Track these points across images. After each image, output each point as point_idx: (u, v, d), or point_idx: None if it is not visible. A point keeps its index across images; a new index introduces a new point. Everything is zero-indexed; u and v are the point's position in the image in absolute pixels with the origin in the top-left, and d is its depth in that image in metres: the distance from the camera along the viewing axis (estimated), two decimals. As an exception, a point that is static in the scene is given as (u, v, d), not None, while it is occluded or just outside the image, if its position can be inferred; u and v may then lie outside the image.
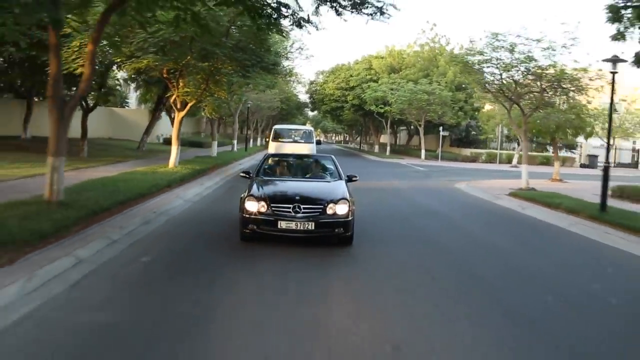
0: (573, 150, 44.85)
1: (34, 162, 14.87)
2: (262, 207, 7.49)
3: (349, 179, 8.99)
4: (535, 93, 18.41)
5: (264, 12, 9.79)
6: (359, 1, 9.29)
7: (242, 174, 9.42)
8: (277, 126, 25.26)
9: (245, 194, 7.87)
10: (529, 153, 23.26)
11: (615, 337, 4.94)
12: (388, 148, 48.45)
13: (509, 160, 41.57)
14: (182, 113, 17.17)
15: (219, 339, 4.42)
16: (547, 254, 8.82)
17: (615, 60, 11.79)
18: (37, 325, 4.48)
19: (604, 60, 12.19)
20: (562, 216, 12.38)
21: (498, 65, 17.61)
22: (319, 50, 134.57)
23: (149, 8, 8.47)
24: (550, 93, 19.08)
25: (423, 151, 41.43)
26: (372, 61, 50.91)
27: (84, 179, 12.26)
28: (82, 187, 10.41)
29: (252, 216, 7.49)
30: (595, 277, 7.31)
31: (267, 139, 23.62)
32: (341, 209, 7.56)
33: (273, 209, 7.48)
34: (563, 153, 44.64)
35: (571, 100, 20.26)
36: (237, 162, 25.56)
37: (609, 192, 13.33)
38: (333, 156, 9.98)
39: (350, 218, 7.63)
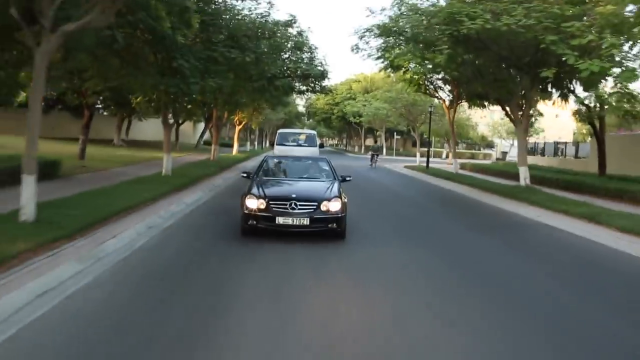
0: (492, 148, 60.36)
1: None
2: (261, 204, 7.78)
3: (343, 179, 9.41)
4: (423, 115, 33.79)
5: (286, 89, 25.24)
6: (320, 88, 24.63)
7: (243, 175, 9.82)
8: (281, 130, 25.11)
9: (246, 193, 8.20)
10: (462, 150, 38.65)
11: (400, 198, 20.21)
12: (363, 148, 63.84)
13: (447, 155, 56.96)
14: (240, 127, 32.56)
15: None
16: (395, 182, 23.93)
17: (429, 111, 27.17)
18: (228, 186, 19.71)
19: (429, 106, 27.58)
20: (415, 172, 27.69)
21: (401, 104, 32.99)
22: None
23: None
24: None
25: (385, 149, 56.87)
26: (352, 84, 66.31)
27: (205, 157, 27.49)
28: (219, 158, 25.59)
29: (252, 212, 7.79)
30: (408, 185, 22.55)
31: (273, 142, 23.24)
32: (334, 206, 7.89)
33: (271, 206, 7.77)
34: (486, 150, 60.30)
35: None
36: (260, 155, 40.83)
37: (459, 166, 28.71)
38: (328, 158, 10.45)
39: (342, 214, 7.97)
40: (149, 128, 49.28)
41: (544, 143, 35.06)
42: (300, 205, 7.75)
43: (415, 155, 56.83)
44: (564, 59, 13.24)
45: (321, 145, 24.48)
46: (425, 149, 64.06)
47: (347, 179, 9.69)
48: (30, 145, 7.26)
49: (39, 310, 4.51)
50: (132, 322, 4.46)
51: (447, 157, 47.98)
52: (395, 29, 16.59)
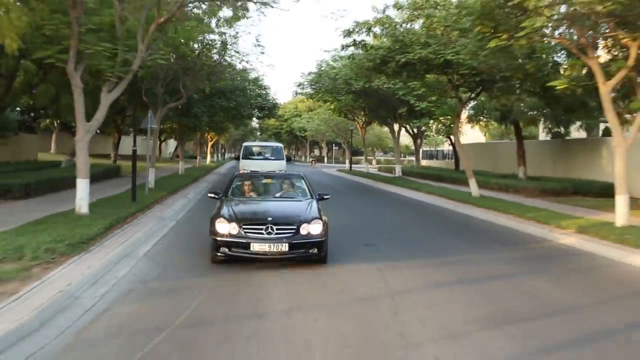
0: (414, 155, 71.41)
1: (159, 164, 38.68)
2: (233, 228, 6.94)
3: (320, 198, 8.47)
4: (349, 132, 43.81)
5: (248, 116, 34.53)
6: (271, 114, 34.02)
7: (210, 195, 8.82)
8: (246, 143, 23.79)
9: (215, 215, 7.30)
10: (389, 158, 48.70)
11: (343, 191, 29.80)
12: (309, 158, 73.53)
13: (377, 162, 67.48)
14: (212, 142, 41.32)
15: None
16: (326, 178, 33.43)
17: (351, 130, 36.98)
18: (217, 182, 28.70)
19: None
20: (342, 173, 37.43)
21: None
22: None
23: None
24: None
25: (326, 158, 66.81)
26: (297, 103, 75.92)
27: (190, 165, 36.13)
28: (201, 166, 34.35)
29: (223, 238, 6.95)
30: (333, 180, 32.17)
31: (237, 155, 22.59)
32: (315, 229, 7.10)
33: (245, 230, 6.94)
34: (410, 157, 71.67)
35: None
36: (229, 164, 49.59)
37: (377, 168, 38.54)
38: (303, 174, 9.72)
39: (324, 238, 7.17)
40: (129, 144, 56.95)
41: (437, 151, 45.90)
42: (277, 229, 6.95)
43: (356, 163, 67.75)
44: (410, 102, 23.38)
45: (288, 159, 23.26)
46: (357, 157, 76.28)
47: (325, 197, 8.55)
48: (152, 156, 16.25)
49: (187, 208, 13.78)
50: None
51: (371, 162, 58.33)
52: (317, 83, 26.52)
